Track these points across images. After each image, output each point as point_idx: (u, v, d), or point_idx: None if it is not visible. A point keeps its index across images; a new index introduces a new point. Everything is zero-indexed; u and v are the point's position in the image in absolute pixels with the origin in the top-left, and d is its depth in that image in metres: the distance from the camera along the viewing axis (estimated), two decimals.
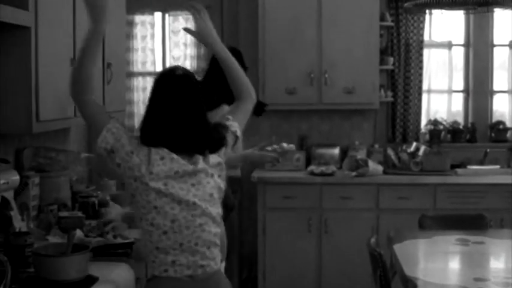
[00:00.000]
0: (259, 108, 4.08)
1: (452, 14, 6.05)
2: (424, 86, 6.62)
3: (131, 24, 6.57)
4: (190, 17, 6.42)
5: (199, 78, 3.16)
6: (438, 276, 3.59)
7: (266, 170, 6.06)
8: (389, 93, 6.47)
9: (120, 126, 2.77)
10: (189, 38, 6.62)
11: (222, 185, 2.80)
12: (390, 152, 6.26)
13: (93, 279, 2.76)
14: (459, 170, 6.04)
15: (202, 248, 2.66)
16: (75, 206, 4.05)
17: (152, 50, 6.70)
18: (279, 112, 6.36)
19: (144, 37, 6.69)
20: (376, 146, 6.41)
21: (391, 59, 6.43)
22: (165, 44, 6.71)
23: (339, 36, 6.06)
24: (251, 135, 5.31)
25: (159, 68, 6.71)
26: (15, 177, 3.33)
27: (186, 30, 3.30)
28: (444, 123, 6.59)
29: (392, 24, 6.43)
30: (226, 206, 4.19)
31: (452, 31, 6.70)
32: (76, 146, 4.91)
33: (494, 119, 6.66)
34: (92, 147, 5.82)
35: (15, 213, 3.24)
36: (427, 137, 6.58)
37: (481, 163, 6.30)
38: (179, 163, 2.66)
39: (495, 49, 6.66)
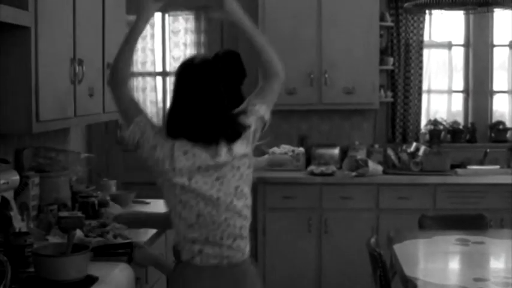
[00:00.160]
0: None
1: (452, 14, 6.06)
2: (424, 86, 6.63)
3: (131, 24, 6.55)
4: (191, 17, 6.49)
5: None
6: (438, 277, 3.59)
7: (265, 170, 6.06)
8: (389, 94, 6.48)
9: (148, 120, 2.81)
10: (189, 38, 6.62)
11: (251, 175, 2.81)
12: (390, 152, 6.26)
13: (93, 279, 2.75)
14: (459, 170, 6.04)
15: (227, 241, 2.73)
16: (75, 206, 4.05)
17: (152, 50, 6.69)
18: (278, 112, 6.32)
19: (144, 37, 6.68)
20: (376, 146, 6.41)
21: (391, 59, 6.43)
22: (165, 44, 6.71)
23: (339, 37, 6.06)
24: None
25: (159, 68, 6.71)
26: (15, 177, 3.33)
27: (211, 14, 3.18)
28: (444, 123, 6.60)
29: (392, 24, 6.44)
30: None
31: (452, 31, 6.70)
32: (76, 146, 4.91)
33: (494, 119, 6.67)
34: (92, 147, 5.84)
35: (15, 213, 3.23)
36: (427, 137, 6.59)
37: (481, 163, 6.30)
38: (201, 158, 2.70)
39: (495, 49, 6.67)
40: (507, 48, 6.67)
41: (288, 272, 5.90)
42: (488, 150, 6.36)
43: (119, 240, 3.35)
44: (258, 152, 4.70)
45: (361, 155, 6.21)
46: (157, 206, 4.38)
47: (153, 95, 6.71)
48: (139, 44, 6.64)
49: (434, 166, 6.03)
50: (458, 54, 6.74)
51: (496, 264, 4.14)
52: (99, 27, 4.07)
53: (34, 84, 3.10)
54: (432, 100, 6.77)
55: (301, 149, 6.27)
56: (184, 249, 2.75)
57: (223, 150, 2.72)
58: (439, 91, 6.75)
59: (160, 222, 3.57)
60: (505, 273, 3.70)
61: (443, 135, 6.58)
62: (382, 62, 6.30)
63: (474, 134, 6.56)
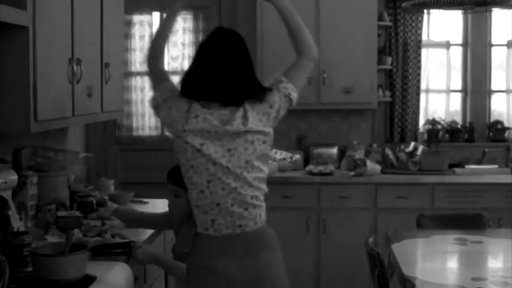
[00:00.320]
0: None
1: (450, 13, 6.06)
2: (422, 86, 6.63)
3: (129, 24, 6.57)
4: (189, 16, 6.50)
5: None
6: (436, 276, 3.59)
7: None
8: (388, 93, 6.48)
9: (172, 85, 2.88)
10: (187, 37, 6.63)
11: (267, 151, 2.83)
12: (388, 151, 6.26)
13: (91, 279, 2.76)
14: (457, 170, 6.05)
15: (239, 209, 2.77)
16: (73, 205, 4.05)
17: None
18: None
19: (142, 37, 6.69)
20: (374, 145, 6.41)
21: (389, 59, 6.43)
22: None
23: (337, 36, 6.06)
24: None
25: None
26: (13, 177, 3.33)
27: None
28: (442, 122, 6.60)
29: (390, 24, 6.44)
30: None
31: (451, 31, 6.70)
32: (74, 145, 4.91)
33: (492, 119, 6.67)
34: (91, 146, 5.84)
35: (13, 213, 3.24)
36: (425, 136, 6.59)
37: (479, 163, 6.31)
38: (211, 123, 2.74)
39: (493, 49, 6.67)
40: (505, 47, 6.67)
41: (286, 271, 5.89)
42: (486, 149, 6.37)
43: (117, 240, 3.35)
44: None
45: (359, 154, 6.21)
46: (156, 206, 4.39)
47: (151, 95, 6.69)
48: (137, 44, 6.66)
49: (433, 165, 6.04)
50: (456, 54, 6.74)
51: (494, 263, 4.14)
52: (97, 26, 4.07)
53: (32, 84, 3.10)
54: (430, 100, 6.77)
55: (298, 156, 6.26)
56: (198, 221, 2.81)
57: (237, 118, 2.75)
58: (437, 91, 6.75)
59: (157, 222, 3.57)
60: (503, 273, 3.70)
61: (441, 135, 6.58)
62: (380, 61, 6.30)
63: (472, 133, 6.57)
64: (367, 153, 6.30)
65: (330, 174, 5.95)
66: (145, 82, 6.70)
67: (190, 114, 2.75)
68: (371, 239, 4.01)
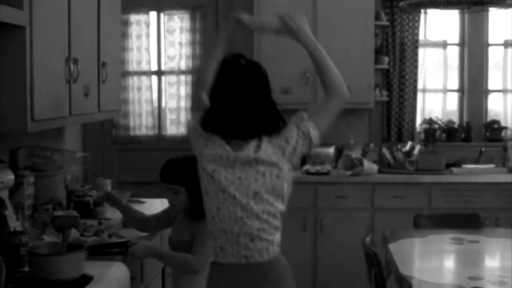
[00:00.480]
0: None
1: (447, 13, 6.06)
2: (419, 85, 6.63)
3: (126, 23, 6.56)
4: (186, 16, 6.48)
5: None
6: (433, 275, 3.60)
7: None
8: (385, 93, 6.48)
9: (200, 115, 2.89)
10: (184, 37, 6.62)
11: (280, 186, 2.80)
12: (385, 151, 6.27)
13: (88, 278, 2.76)
14: (454, 169, 6.05)
15: (244, 240, 2.75)
16: (70, 205, 4.05)
17: (147, 49, 6.69)
18: None
19: (139, 36, 6.68)
20: (371, 145, 6.41)
21: (386, 59, 6.44)
22: (160, 43, 6.71)
23: (334, 36, 6.05)
24: None
25: (154, 67, 6.71)
26: (10, 177, 3.33)
27: (280, 18, 3.24)
28: (439, 122, 6.60)
29: (387, 23, 6.44)
30: None
31: (447, 30, 6.71)
32: (71, 145, 4.90)
33: (489, 118, 6.67)
34: (87, 146, 5.83)
35: (10, 213, 3.23)
36: (422, 136, 6.59)
37: (476, 162, 6.31)
38: (224, 149, 2.77)
39: (490, 48, 6.68)
40: (502, 47, 6.68)
41: None
42: (483, 149, 6.37)
43: (114, 239, 3.35)
44: None
45: (356, 154, 6.21)
46: (153, 205, 4.39)
47: (149, 94, 6.70)
48: (135, 44, 6.65)
49: (430, 165, 6.04)
50: (453, 54, 6.74)
51: (491, 262, 4.15)
52: (94, 26, 4.07)
53: (29, 84, 3.09)
54: (427, 99, 6.77)
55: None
56: (211, 246, 2.85)
57: (250, 146, 2.77)
58: (434, 90, 6.76)
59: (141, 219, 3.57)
60: (500, 272, 3.71)
61: (438, 134, 6.59)
62: (377, 61, 6.30)
63: (469, 133, 6.57)
64: (364, 153, 6.30)
65: (327, 173, 5.95)
66: (142, 82, 6.70)
67: (209, 140, 2.81)
68: (368, 239, 4.02)
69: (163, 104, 6.76)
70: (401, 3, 5.53)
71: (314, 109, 3.00)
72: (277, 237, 2.86)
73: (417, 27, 6.49)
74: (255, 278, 2.79)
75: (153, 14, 6.70)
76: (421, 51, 6.61)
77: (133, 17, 6.63)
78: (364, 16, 6.09)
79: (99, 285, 2.75)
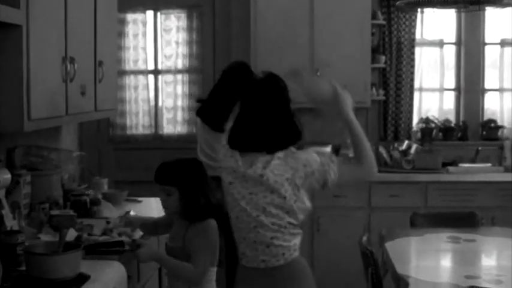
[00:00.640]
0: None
1: (443, 12, 6.07)
2: (416, 84, 6.63)
3: (123, 22, 6.56)
4: (182, 15, 6.49)
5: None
6: (430, 274, 3.60)
7: None
8: (381, 92, 6.48)
9: None
10: (181, 36, 6.63)
11: (288, 204, 2.93)
12: (382, 150, 6.28)
13: (85, 278, 2.75)
14: (451, 168, 6.06)
15: (261, 246, 2.95)
16: (66, 204, 4.05)
17: (144, 48, 6.69)
18: None
19: (136, 35, 6.68)
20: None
21: (383, 57, 6.44)
22: (157, 42, 6.71)
23: (331, 35, 6.06)
24: None
25: (151, 66, 6.71)
26: (7, 176, 3.32)
27: (334, 87, 3.28)
28: (436, 121, 6.61)
29: (384, 22, 6.44)
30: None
31: (444, 29, 6.71)
32: (68, 144, 4.90)
33: (485, 117, 6.68)
34: (84, 145, 5.83)
35: (6, 212, 3.23)
36: (419, 135, 6.60)
37: (473, 161, 6.32)
38: (237, 164, 2.95)
39: (486, 47, 6.68)
40: (498, 46, 6.68)
41: None
42: (479, 148, 6.38)
43: (112, 238, 3.34)
44: None
45: (353, 153, 6.20)
46: (149, 204, 4.39)
47: (145, 93, 6.70)
48: (131, 43, 6.65)
49: (426, 164, 6.05)
50: (450, 53, 6.75)
51: (488, 261, 4.16)
52: (90, 25, 4.06)
53: (26, 83, 3.09)
54: (424, 98, 6.77)
55: None
56: (238, 249, 3.06)
57: (258, 163, 2.91)
58: (430, 89, 6.76)
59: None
60: (496, 271, 3.72)
61: (435, 133, 6.59)
62: (374, 60, 6.30)
63: (466, 132, 6.58)
64: None
65: None
66: (139, 81, 6.70)
67: (228, 152, 3.02)
68: (365, 238, 4.02)
69: (160, 103, 6.75)
70: (398, 2, 5.53)
71: (344, 163, 3.14)
72: (294, 242, 3.02)
73: (414, 26, 6.50)
74: (273, 280, 2.98)
75: (149, 13, 6.70)
76: (417, 50, 6.61)
77: (130, 16, 6.63)
78: (361, 15, 6.09)
79: (95, 285, 2.75)
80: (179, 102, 6.68)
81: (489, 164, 6.23)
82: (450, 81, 6.75)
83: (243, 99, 3.04)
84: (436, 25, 6.67)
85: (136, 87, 6.70)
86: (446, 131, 6.59)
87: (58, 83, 3.49)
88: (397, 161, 6.14)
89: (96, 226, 3.56)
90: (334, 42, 6.06)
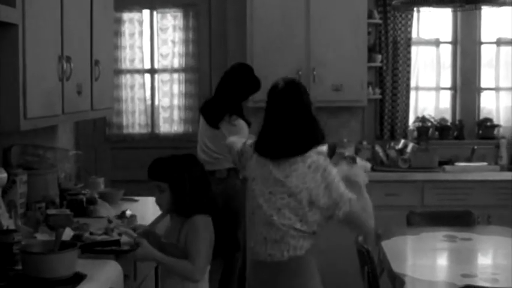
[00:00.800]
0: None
1: (440, 11, 6.07)
2: (412, 83, 6.64)
3: (119, 21, 6.56)
4: (179, 14, 6.54)
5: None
6: (426, 273, 3.61)
7: None
8: (378, 91, 6.49)
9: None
10: (177, 35, 6.62)
11: (302, 213, 3.11)
12: (378, 149, 6.28)
13: (81, 277, 2.75)
14: (447, 167, 6.06)
15: (270, 242, 3.17)
16: (63, 203, 4.04)
17: (140, 48, 6.69)
18: None
19: (132, 34, 6.68)
20: (364, 143, 6.42)
21: (379, 57, 6.44)
22: (153, 41, 6.71)
23: (327, 34, 6.06)
24: None
25: (147, 66, 6.71)
26: (3, 175, 3.32)
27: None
28: (432, 120, 6.61)
29: (380, 21, 6.44)
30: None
31: (440, 28, 6.71)
32: (64, 143, 4.90)
33: (481, 116, 6.69)
34: (80, 144, 5.83)
35: (2, 211, 3.23)
36: (415, 134, 6.60)
37: (469, 160, 6.33)
38: (264, 167, 3.19)
39: (482, 46, 6.69)
40: (494, 45, 6.68)
41: None
42: (475, 147, 6.39)
43: (107, 238, 3.33)
44: None
45: (349, 152, 6.19)
46: (146, 203, 4.38)
47: (142, 92, 6.70)
48: (128, 42, 6.65)
49: (422, 163, 6.05)
50: (446, 52, 6.75)
51: (484, 260, 4.16)
52: (87, 24, 4.06)
53: (22, 82, 3.09)
54: (420, 97, 6.77)
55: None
56: (250, 241, 3.32)
57: (286, 166, 3.14)
58: (427, 88, 6.76)
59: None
60: (492, 270, 3.73)
61: (431, 132, 6.60)
62: (370, 59, 6.31)
63: (462, 131, 6.58)
64: (357, 151, 6.30)
65: None
66: (135, 80, 6.70)
67: (258, 160, 3.25)
68: (361, 237, 4.02)
69: (156, 102, 6.75)
70: (394, 2, 5.53)
71: (353, 216, 3.25)
72: (302, 243, 3.19)
73: (410, 26, 6.50)
74: (277, 274, 3.19)
75: (146, 12, 6.70)
76: (413, 49, 6.61)
77: (126, 15, 6.63)
78: (357, 14, 6.09)
79: (92, 284, 2.75)
80: (175, 101, 6.68)
81: (485, 163, 6.24)
82: (446, 80, 6.75)
83: (268, 108, 3.25)
84: (432, 24, 6.68)
85: (132, 86, 6.70)
86: (442, 129, 6.59)
87: (54, 82, 3.49)
88: (393, 159, 6.14)
89: (94, 225, 3.56)
90: (331, 41, 6.06)
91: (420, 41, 6.70)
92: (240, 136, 4.25)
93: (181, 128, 6.68)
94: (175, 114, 6.69)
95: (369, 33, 6.28)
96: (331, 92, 6.10)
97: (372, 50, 6.40)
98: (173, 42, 6.65)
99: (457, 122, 6.64)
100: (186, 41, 6.61)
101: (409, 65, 6.54)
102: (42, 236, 3.36)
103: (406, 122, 6.60)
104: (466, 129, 6.59)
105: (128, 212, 3.92)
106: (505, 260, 3.94)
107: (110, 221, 3.67)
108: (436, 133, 6.62)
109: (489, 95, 6.74)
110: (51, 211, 3.69)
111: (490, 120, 6.61)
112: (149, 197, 4.39)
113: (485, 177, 5.91)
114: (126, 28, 6.65)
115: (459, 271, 3.55)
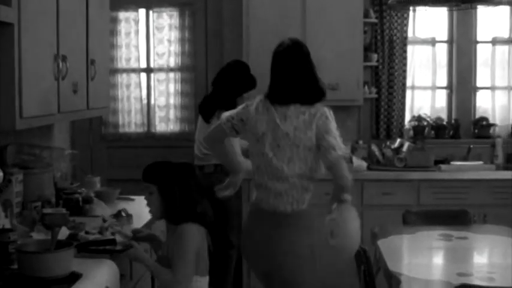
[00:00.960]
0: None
1: (435, 10, 6.07)
2: (408, 83, 6.64)
3: (115, 20, 6.55)
4: (175, 13, 6.55)
5: None
6: (422, 272, 3.61)
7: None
8: (374, 90, 6.49)
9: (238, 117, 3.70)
10: (173, 34, 6.62)
11: (310, 160, 3.48)
12: (374, 148, 6.28)
13: (77, 276, 2.75)
14: (443, 166, 6.07)
15: (275, 193, 3.49)
16: (59, 202, 4.04)
17: (136, 47, 6.68)
18: None
19: (128, 34, 6.67)
20: (361, 142, 6.42)
21: (375, 56, 6.44)
22: (149, 40, 6.70)
23: (323, 33, 6.06)
24: None
25: (143, 65, 6.70)
26: None
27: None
28: (428, 119, 6.62)
29: (376, 20, 6.45)
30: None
31: (436, 28, 6.72)
32: (60, 142, 4.89)
33: (477, 115, 6.70)
34: (76, 143, 5.82)
35: None
36: (411, 133, 6.61)
37: (465, 159, 6.33)
38: (273, 115, 3.48)
39: (478, 46, 6.69)
40: (490, 44, 6.69)
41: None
42: (471, 146, 6.39)
43: (103, 237, 3.33)
44: None
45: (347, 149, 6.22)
46: (142, 203, 4.37)
47: (138, 91, 6.69)
48: (123, 41, 6.64)
49: (418, 162, 6.06)
50: (442, 51, 6.76)
51: (480, 259, 4.17)
52: (83, 23, 4.06)
53: (17, 81, 3.08)
54: (416, 96, 6.78)
55: None
56: (253, 192, 3.65)
57: (292, 116, 3.46)
58: (422, 87, 6.77)
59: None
60: (488, 268, 3.73)
61: (427, 131, 6.60)
62: (366, 58, 6.31)
63: (458, 130, 6.59)
64: (353, 150, 6.31)
65: None
66: (131, 79, 6.69)
67: (260, 106, 3.55)
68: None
69: (152, 101, 6.74)
70: (390, 1, 5.53)
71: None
72: (304, 196, 3.54)
73: (406, 25, 6.50)
74: (279, 224, 3.50)
75: (142, 11, 6.69)
76: (409, 48, 6.62)
77: (122, 14, 6.62)
78: (353, 14, 6.09)
79: (88, 283, 2.75)
80: (171, 100, 6.68)
81: (481, 162, 6.25)
82: (442, 79, 6.76)
83: (274, 61, 3.63)
84: (428, 23, 6.68)
85: (128, 86, 6.70)
86: (438, 129, 6.60)
87: (50, 81, 3.48)
88: (389, 159, 6.14)
89: (89, 224, 3.56)
90: (327, 40, 6.06)
91: (416, 40, 6.71)
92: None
93: (178, 127, 6.68)
94: (172, 113, 6.69)
95: (364, 32, 6.29)
96: (327, 91, 6.04)
97: (367, 49, 6.40)
98: (169, 41, 6.65)
99: (452, 121, 6.65)
100: (182, 40, 6.60)
101: (405, 64, 6.55)
102: (38, 235, 3.35)
103: (402, 121, 6.60)
104: (462, 129, 6.60)
105: (124, 211, 3.91)
106: (500, 258, 3.95)
107: (104, 220, 3.67)
108: (432, 132, 6.63)
109: (485, 94, 6.75)
110: (47, 210, 3.68)
111: (485, 119, 6.62)
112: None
113: (481, 176, 5.92)
114: (122, 27, 6.64)
115: (455, 270, 3.55)
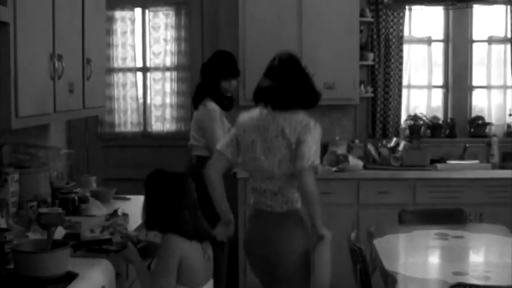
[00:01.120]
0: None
1: (431, 9, 6.08)
2: (404, 82, 6.64)
3: (111, 20, 6.55)
4: (171, 12, 6.55)
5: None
6: (418, 271, 3.62)
7: None
8: (370, 89, 6.49)
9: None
10: (169, 33, 6.62)
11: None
12: (370, 147, 6.29)
13: (73, 275, 2.75)
14: (439, 165, 6.08)
15: (269, 194, 3.67)
16: (55, 202, 4.03)
17: (132, 46, 6.68)
18: None
19: (124, 33, 6.67)
20: (357, 141, 6.43)
21: (371, 55, 6.45)
22: (145, 39, 6.70)
23: (319, 32, 6.06)
24: None
25: (139, 64, 6.70)
26: None
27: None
28: (424, 118, 6.62)
29: (372, 20, 6.45)
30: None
31: (432, 27, 6.72)
32: (56, 142, 4.88)
33: (473, 114, 6.70)
34: (72, 143, 5.81)
35: None
36: (407, 132, 6.61)
37: (461, 158, 6.34)
38: (261, 117, 3.67)
39: (474, 45, 6.70)
40: (486, 43, 6.70)
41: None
42: (467, 145, 6.40)
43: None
44: None
45: (341, 150, 6.22)
46: (138, 202, 4.37)
47: (134, 91, 6.69)
48: (119, 40, 6.64)
49: (414, 161, 6.06)
50: (437, 50, 6.76)
51: (475, 258, 4.17)
52: (78, 22, 4.05)
53: (13, 80, 3.07)
54: (412, 95, 6.78)
55: None
56: (250, 196, 3.82)
57: (280, 120, 3.59)
58: (418, 86, 6.77)
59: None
60: (484, 267, 3.74)
61: (423, 131, 6.61)
62: (362, 57, 6.31)
63: (454, 129, 6.60)
64: (349, 149, 6.31)
65: None
66: (127, 78, 6.69)
67: (252, 111, 3.75)
68: (353, 235, 4.03)
69: (148, 101, 6.74)
70: (386, 0, 5.54)
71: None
72: (297, 194, 3.65)
73: (402, 24, 6.51)
74: (276, 222, 3.66)
75: (138, 11, 6.69)
76: (405, 47, 6.62)
77: (118, 14, 6.62)
78: (349, 13, 6.09)
79: (83, 282, 2.75)
80: (167, 100, 6.67)
81: (477, 161, 6.26)
82: (438, 79, 6.77)
83: (270, 69, 3.81)
84: (424, 22, 6.69)
85: (124, 85, 6.69)
86: (434, 128, 6.61)
87: (46, 81, 3.48)
88: (385, 158, 6.15)
89: (86, 223, 3.55)
90: (323, 39, 6.07)
91: (412, 39, 6.71)
92: (211, 119, 5.06)
93: (174, 127, 6.67)
94: (168, 113, 6.68)
95: (360, 31, 6.29)
96: (324, 90, 6.01)
97: (364, 48, 6.40)
98: (165, 40, 6.64)
99: (448, 120, 6.65)
100: (178, 39, 6.60)
101: (401, 63, 6.55)
102: (34, 235, 3.35)
103: (398, 120, 6.60)
104: (458, 128, 6.61)
105: (120, 211, 3.91)
106: (496, 257, 3.96)
107: (107, 219, 3.67)
108: (428, 131, 6.63)
109: (481, 93, 6.75)
110: (43, 210, 3.68)
111: (481, 118, 6.63)
112: (141, 195, 4.39)
113: (477, 175, 5.92)
114: (118, 26, 6.64)
115: (451, 269, 3.55)
